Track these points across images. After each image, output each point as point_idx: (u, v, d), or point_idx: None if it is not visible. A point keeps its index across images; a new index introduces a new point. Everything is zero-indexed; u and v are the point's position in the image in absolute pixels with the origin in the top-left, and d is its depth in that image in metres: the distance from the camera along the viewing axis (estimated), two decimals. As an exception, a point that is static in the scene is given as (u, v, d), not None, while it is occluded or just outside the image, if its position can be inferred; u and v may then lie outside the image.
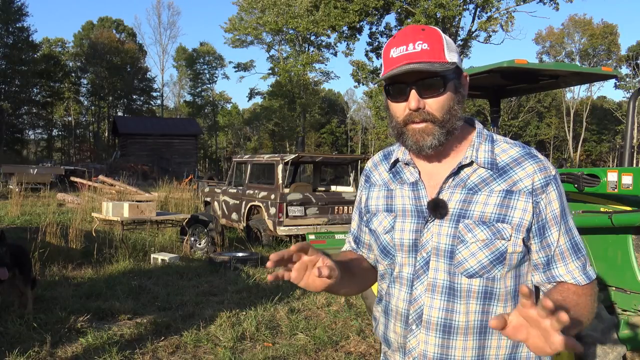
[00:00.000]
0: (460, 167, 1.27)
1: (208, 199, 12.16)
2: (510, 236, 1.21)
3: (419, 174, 1.32)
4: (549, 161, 1.29)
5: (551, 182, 1.24)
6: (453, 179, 1.27)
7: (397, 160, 1.38)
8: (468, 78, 1.31)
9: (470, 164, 1.27)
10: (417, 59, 1.19)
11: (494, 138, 1.32)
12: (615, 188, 3.38)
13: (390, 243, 1.33)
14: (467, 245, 1.22)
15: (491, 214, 1.22)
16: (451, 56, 1.23)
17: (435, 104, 1.22)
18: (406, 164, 1.35)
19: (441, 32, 1.25)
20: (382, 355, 1.44)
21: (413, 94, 1.21)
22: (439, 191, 1.27)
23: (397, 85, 1.23)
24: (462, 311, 1.24)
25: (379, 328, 1.40)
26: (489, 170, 1.26)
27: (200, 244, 8.96)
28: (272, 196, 9.50)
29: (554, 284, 1.26)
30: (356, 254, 1.50)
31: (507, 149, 1.29)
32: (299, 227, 9.46)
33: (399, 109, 1.25)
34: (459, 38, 34.62)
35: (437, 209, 1.25)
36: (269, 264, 1.09)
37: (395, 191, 1.36)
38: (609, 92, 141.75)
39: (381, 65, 1.32)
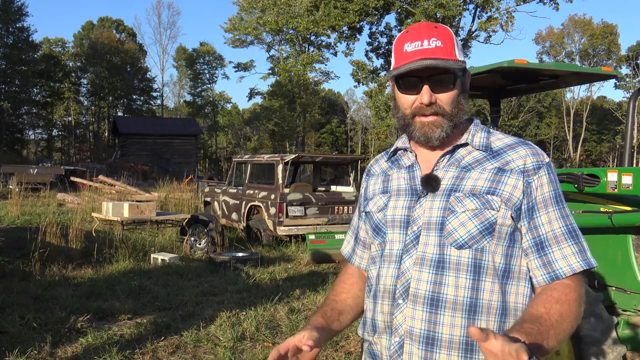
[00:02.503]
0: (456, 147, 1.33)
1: (208, 199, 12.16)
2: (500, 207, 1.25)
3: (416, 157, 1.38)
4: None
5: (543, 166, 1.28)
6: (448, 159, 1.33)
7: (397, 149, 1.44)
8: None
9: (465, 145, 1.33)
10: (433, 55, 1.25)
11: (490, 130, 1.39)
12: (615, 188, 3.38)
13: (382, 220, 1.37)
14: (457, 215, 1.26)
15: (482, 187, 1.27)
16: (460, 54, 1.30)
17: (445, 98, 1.29)
18: (404, 149, 1.42)
19: (452, 32, 1.32)
20: (366, 345, 1.41)
21: (426, 88, 1.27)
22: (434, 169, 1.33)
23: (410, 79, 1.29)
24: (451, 284, 1.24)
25: (367, 315, 1.39)
26: (483, 152, 1.32)
27: (200, 244, 8.96)
28: (272, 196, 9.50)
29: (548, 282, 1.25)
30: (341, 286, 1.51)
31: (502, 138, 1.36)
32: (299, 227, 9.47)
33: (408, 101, 1.31)
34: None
35: (429, 182, 1.31)
36: None
37: (392, 175, 1.42)
38: (609, 92, 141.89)
39: (386, 61, 1.35)
